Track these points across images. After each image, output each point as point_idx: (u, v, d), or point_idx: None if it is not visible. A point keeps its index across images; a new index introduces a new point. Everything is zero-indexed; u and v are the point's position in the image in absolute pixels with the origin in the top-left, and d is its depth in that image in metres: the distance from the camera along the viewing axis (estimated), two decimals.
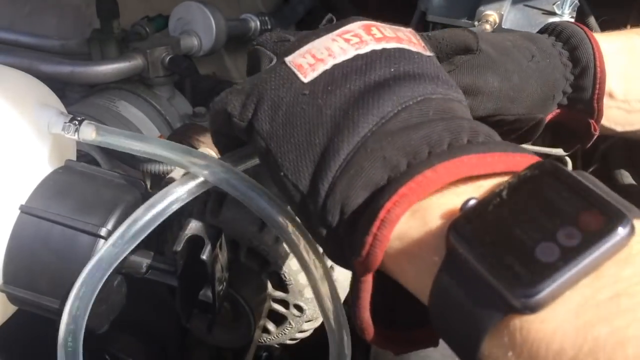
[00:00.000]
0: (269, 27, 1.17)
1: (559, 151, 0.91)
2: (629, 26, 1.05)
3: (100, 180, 0.48)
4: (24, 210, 0.45)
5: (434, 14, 0.81)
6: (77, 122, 0.47)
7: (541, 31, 0.56)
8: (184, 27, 0.96)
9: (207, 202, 0.62)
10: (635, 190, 0.80)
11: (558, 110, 0.55)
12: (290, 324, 0.63)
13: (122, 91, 0.87)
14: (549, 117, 0.55)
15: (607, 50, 0.53)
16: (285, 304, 0.62)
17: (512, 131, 0.54)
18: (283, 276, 0.60)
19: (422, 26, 0.93)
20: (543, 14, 0.80)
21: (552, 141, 0.68)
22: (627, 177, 0.82)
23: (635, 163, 0.84)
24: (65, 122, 0.47)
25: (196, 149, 0.72)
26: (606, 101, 0.54)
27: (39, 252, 0.44)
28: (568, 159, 0.92)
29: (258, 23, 1.14)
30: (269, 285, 0.62)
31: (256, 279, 0.62)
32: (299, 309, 0.62)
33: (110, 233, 0.44)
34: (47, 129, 0.48)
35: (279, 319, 0.64)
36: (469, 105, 0.43)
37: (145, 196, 0.47)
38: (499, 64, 0.50)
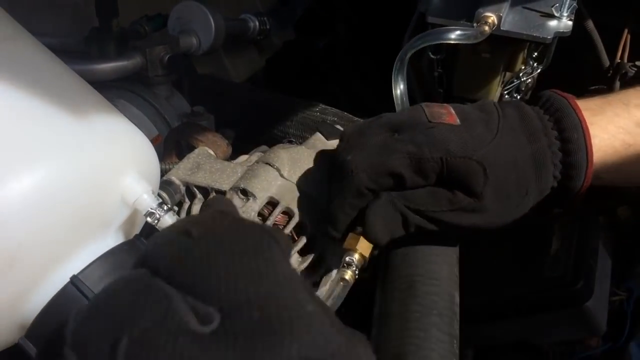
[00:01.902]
0: (268, 27, 1.18)
1: None
2: (625, 30, 1.06)
3: None
4: (73, 281, 0.43)
5: (433, 16, 0.81)
6: (162, 212, 0.46)
7: (546, 107, 0.55)
8: (183, 26, 0.96)
9: (206, 201, 0.62)
10: (629, 193, 0.80)
11: None
12: None
13: (121, 90, 0.86)
14: None
15: (598, 145, 0.53)
16: None
17: None
18: None
19: (420, 27, 0.93)
20: (541, 16, 0.80)
21: None
22: None
23: None
24: (151, 208, 0.45)
25: (195, 147, 0.72)
26: (592, 181, 0.54)
27: None
28: None
29: (257, 23, 1.15)
30: None
31: None
32: None
33: None
34: (131, 204, 0.46)
35: None
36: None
37: None
38: (495, 213, 0.51)
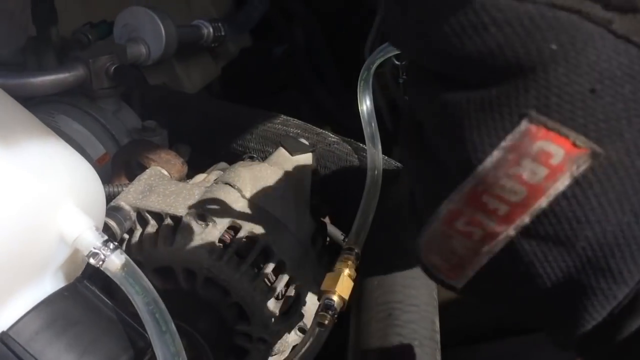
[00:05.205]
0: (222, 33, 1.12)
1: None
2: None
3: (103, 320, 0.41)
4: (3, 339, 0.36)
5: None
6: (108, 251, 0.39)
7: None
8: (130, 34, 0.89)
9: (160, 228, 0.56)
10: None
11: None
12: (254, 359, 0.58)
13: (62, 104, 0.79)
14: None
15: None
16: (248, 337, 0.57)
17: None
18: (245, 307, 0.55)
19: (383, 33, 0.89)
20: None
21: None
22: None
23: None
24: (94, 248, 0.39)
25: (146, 167, 0.66)
26: None
27: None
28: None
29: (211, 29, 1.09)
30: (230, 318, 0.56)
31: (214, 312, 0.56)
32: (264, 342, 0.57)
33: None
34: (71, 243, 0.39)
35: (242, 355, 0.58)
36: None
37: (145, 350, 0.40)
38: None
